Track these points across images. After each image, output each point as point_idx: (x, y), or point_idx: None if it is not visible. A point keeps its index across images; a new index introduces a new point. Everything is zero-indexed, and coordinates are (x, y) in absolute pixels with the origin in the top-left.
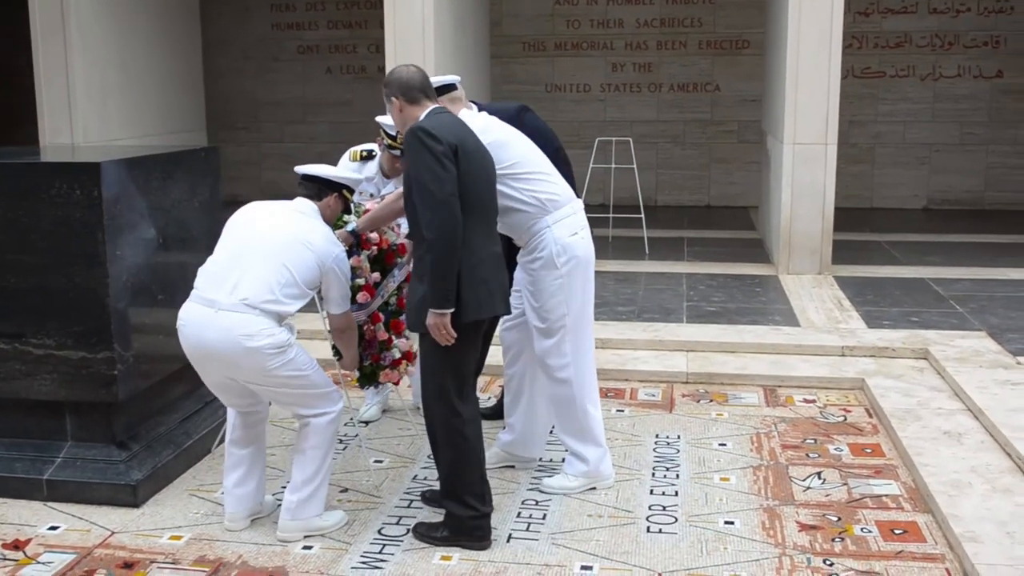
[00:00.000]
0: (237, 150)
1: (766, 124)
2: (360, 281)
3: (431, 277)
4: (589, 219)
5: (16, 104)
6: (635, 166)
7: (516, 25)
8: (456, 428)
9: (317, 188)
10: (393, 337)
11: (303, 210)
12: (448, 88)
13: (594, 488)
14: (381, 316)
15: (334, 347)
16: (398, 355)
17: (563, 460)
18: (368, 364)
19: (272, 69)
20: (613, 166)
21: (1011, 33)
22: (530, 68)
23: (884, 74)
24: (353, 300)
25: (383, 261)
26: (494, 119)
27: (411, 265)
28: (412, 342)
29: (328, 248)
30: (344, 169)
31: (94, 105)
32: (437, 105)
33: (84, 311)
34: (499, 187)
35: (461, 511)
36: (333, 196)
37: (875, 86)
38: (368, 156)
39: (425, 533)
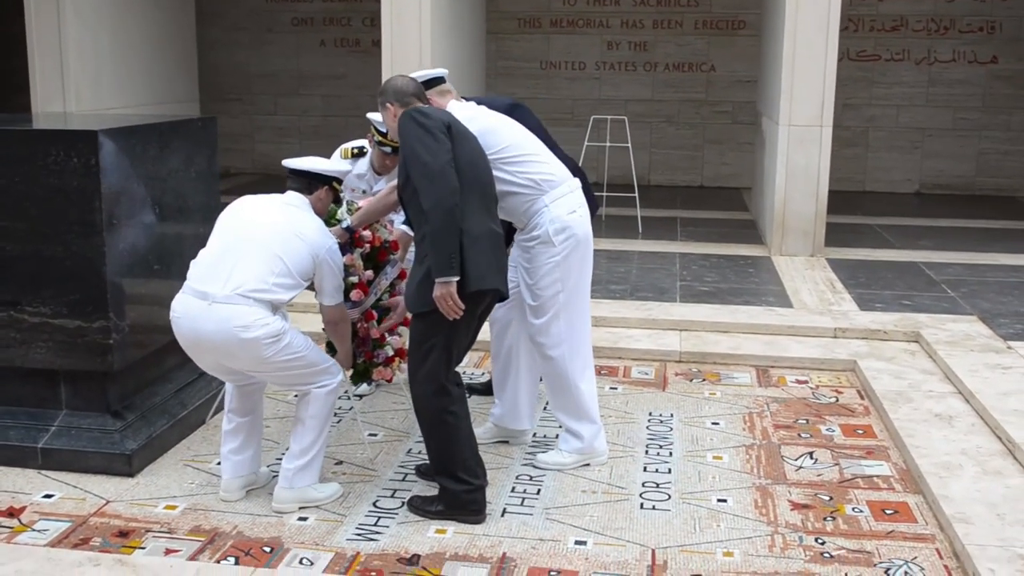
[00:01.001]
0: (230, 122)
1: (761, 105)
2: (354, 279)
3: (433, 246)
4: None
5: (8, 72)
6: (630, 145)
7: (512, 1)
8: (445, 407)
9: (306, 182)
10: (386, 335)
11: (295, 203)
12: (436, 81)
13: (588, 464)
14: (375, 314)
15: (328, 343)
16: (391, 352)
17: (557, 436)
18: (362, 361)
19: (266, 41)
20: (608, 144)
21: (1006, 19)
22: (525, 44)
23: (879, 57)
24: (347, 298)
25: (376, 259)
26: (481, 108)
27: (404, 262)
28: (404, 339)
29: (321, 240)
30: (331, 160)
31: (87, 74)
32: (428, 106)
33: (80, 280)
34: (494, 172)
35: (455, 486)
36: (323, 189)
37: (870, 69)
38: (359, 153)
39: (420, 506)
